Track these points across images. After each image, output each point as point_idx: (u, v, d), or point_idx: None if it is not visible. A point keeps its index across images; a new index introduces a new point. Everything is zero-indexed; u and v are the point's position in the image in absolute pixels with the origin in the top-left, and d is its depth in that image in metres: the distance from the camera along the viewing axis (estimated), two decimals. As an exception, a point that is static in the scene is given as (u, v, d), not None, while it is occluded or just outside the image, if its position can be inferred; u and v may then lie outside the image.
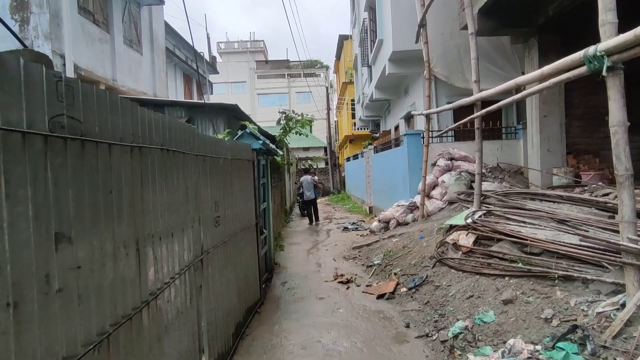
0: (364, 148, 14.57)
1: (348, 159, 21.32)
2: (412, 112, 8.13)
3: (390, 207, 8.44)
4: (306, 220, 12.86)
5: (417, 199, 7.94)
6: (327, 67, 43.02)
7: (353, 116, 26.52)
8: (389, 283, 4.81)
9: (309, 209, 12.41)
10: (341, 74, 31.54)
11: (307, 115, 10.10)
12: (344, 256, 6.93)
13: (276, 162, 9.01)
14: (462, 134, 8.75)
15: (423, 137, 8.35)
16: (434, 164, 8.15)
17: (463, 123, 5.95)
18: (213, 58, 19.60)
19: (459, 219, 4.91)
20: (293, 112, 9.36)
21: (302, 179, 12.61)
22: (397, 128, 14.25)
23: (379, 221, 8.22)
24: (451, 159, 7.92)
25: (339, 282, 5.37)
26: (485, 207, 5.00)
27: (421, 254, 5.37)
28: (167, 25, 13.91)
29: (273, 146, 5.75)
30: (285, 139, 10.53)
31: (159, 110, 2.35)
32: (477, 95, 5.69)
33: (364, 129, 24.60)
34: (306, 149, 28.32)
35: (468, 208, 5.94)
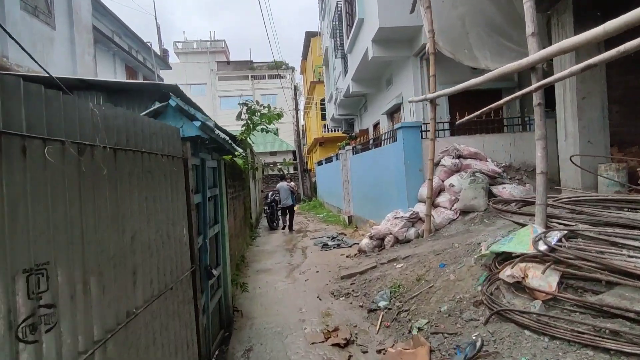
0: (340, 149, 12.87)
1: (319, 163, 19.56)
2: (411, 99, 6.48)
3: (384, 220, 6.70)
4: (276, 235, 10.90)
5: (419, 208, 6.25)
6: (293, 69, 41.25)
7: (323, 117, 24.87)
8: (417, 351, 3.00)
9: (284, 216, 11.94)
10: (308, 74, 29.88)
11: (275, 109, 8.21)
12: (331, 291, 5.07)
13: (237, 166, 7.02)
14: (462, 127, 7.22)
15: (422, 131, 6.72)
16: (437, 164, 6.53)
17: (500, 105, 4.31)
18: (165, 51, 17.25)
19: (516, 244, 3.21)
20: (257, 103, 7.43)
21: (278, 185, 11.94)
22: (376, 126, 12.66)
23: (371, 238, 6.45)
24: (459, 156, 6.32)
25: (334, 345, 3.50)
26: (558, 222, 3.33)
27: (452, 294, 3.63)
28: (100, 4, 11.52)
29: (226, 136, 3.81)
30: (248, 139, 8.58)
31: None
32: (513, 65, 4.10)
33: (336, 130, 23.00)
34: (273, 154, 26.28)
35: (510, 221, 4.30)
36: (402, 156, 6.59)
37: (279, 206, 12.99)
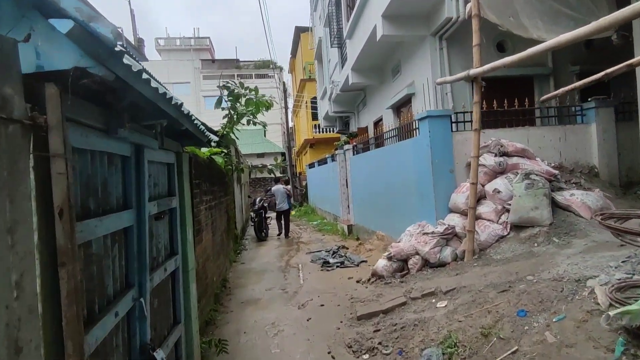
0: (337, 149, 11.42)
1: (311, 165, 18.07)
2: (442, 80, 5.05)
3: (404, 234, 5.27)
4: (265, 248, 9.35)
5: (452, 220, 4.84)
6: (281, 68, 39.76)
7: (314, 117, 23.42)
8: None
9: (279, 221, 11.22)
10: (298, 72, 28.44)
11: (264, 96, 6.72)
12: (347, 343, 3.57)
13: (215, 166, 5.49)
14: (486, 118, 5.84)
15: (453, 122, 5.33)
16: (470, 164, 5.14)
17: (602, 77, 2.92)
18: (140, 41, 15.59)
19: None
20: (241, 85, 5.92)
21: (273, 189, 11.35)
22: (378, 124, 11.27)
23: (390, 259, 4.99)
24: (503, 154, 4.94)
25: None
26: None
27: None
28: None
29: (185, 110, 2.30)
30: (232, 134, 7.06)
31: None
32: (576, 33, 2.72)
33: (330, 130, 21.59)
34: (260, 156, 24.67)
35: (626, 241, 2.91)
36: (429, 154, 5.16)
37: (274, 210, 11.48)
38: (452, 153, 5.20)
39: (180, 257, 2.62)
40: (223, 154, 6.30)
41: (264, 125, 6.90)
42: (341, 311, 4.35)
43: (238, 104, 6.56)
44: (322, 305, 4.68)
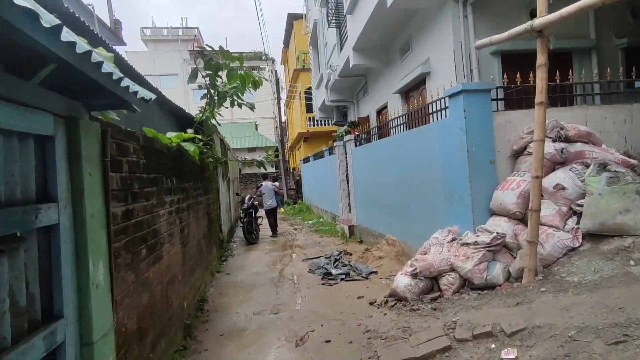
0: (335, 141, 10.22)
1: (306, 160, 16.86)
2: (481, 42, 3.84)
3: (431, 243, 4.11)
4: (255, 253, 8.13)
5: (498, 225, 3.68)
6: (273, 60, 38.29)
7: (308, 110, 22.18)
8: None
9: (270, 219, 10.66)
10: (291, 63, 27.13)
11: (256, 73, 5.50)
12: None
13: (186, 155, 4.23)
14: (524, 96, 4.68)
15: (494, 99, 4.18)
16: (520, 152, 4.00)
17: None
18: (117, 22, 14.17)
19: None
20: (222, 53, 4.68)
21: (258, 185, 10.84)
22: (381, 112, 10.10)
23: (414, 276, 3.81)
24: (564, 139, 3.79)
25: None
26: None
27: None
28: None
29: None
30: (213, 119, 5.86)
31: None
32: None
33: (325, 122, 20.40)
34: (252, 150, 23.34)
35: None
36: (463, 140, 3.99)
37: (261, 208, 10.29)
38: (492, 139, 4.04)
39: (71, 321, 1.40)
40: (199, 141, 5.06)
41: (252, 106, 5.67)
42: (355, 353, 3.17)
43: (219, 80, 5.33)
44: (327, 341, 3.49)
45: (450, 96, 4.22)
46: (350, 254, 7.08)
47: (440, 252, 3.79)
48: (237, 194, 11.79)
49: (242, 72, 4.78)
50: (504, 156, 4.11)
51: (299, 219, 14.31)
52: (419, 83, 7.31)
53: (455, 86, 4.18)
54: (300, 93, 22.55)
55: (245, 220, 9.42)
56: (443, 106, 4.55)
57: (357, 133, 8.49)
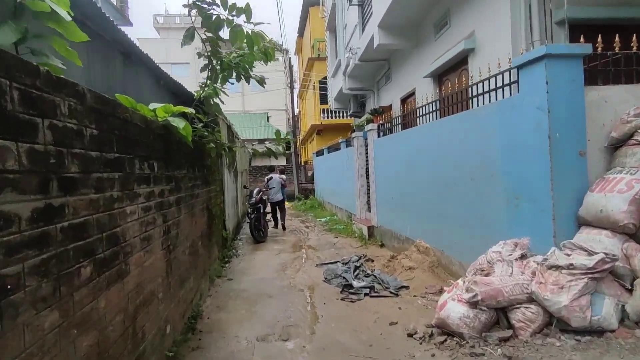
0: (354, 131, 9.23)
1: (319, 153, 15.88)
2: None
3: (484, 256, 3.13)
4: (262, 255, 7.22)
5: (598, 241, 2.65)
6: (286, 51, 37.28)
7: (322, 101, 21.17)
8: None
9: (274, 213, 10.24)
10: (305, 52, 26.06)
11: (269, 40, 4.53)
12: None
13: (177, 136, 3.28)
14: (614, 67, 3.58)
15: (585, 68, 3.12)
16: (618, 143, 2.97)
17: None
18: (123, 1, 13.36)
19: None
20: (223, 1, 3.71)
21: (268, 178, 10.14)
22: (406, 100, 9.05)
23: (474, 304, 2.81)
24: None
25: None
26: None
27: None
28: None
29: None
30: (215, 98, 4.95)
31: None
32: None
33: (341, 114, 19.44)
34: (262, 142, 22.42)
35: None
36: (544, 122, 2.96)
37: (266, 208, 9.39)
38: (583, 122, 3.00)
39: None
40: (198, 122, 4.13)
41: (262, 81, 4.71)
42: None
43: (222, 50, 4.38)
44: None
45: (522, 65, 3.18)
46: (372, 261, 6.11)
47: (510, 274, 2.79)
48: (245, 187, 10.90)
49: (250, 31, 3.81)
50: (596, 146, 3.07)
51: (310, 215, 13.38)
52: (458, 63, 6.25)
53: (533, 51, 3.14)
54: (314, 83, 21.52)
55: (252, 216, 8.51)
56: (503, 82, 3.51)
57: (380, 122, 7.47)
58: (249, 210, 8.86)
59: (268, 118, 26.59)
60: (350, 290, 4.64)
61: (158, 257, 2.78)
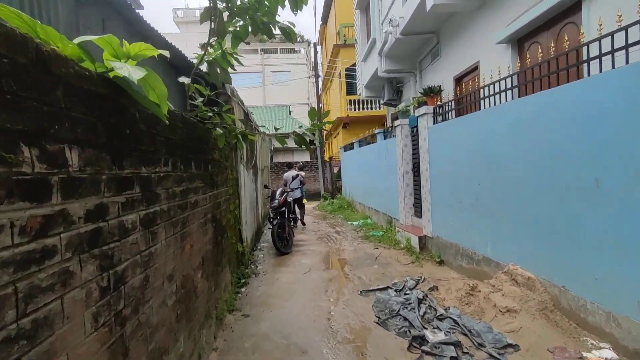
0: (397, 119, 7.59)
1: (347, 147, 14.28)
2: None
3: None
4: (287, 271, 5.73)
5: None
6: (308, 43, 35.77)
7: (349, 91, 19.51)
8: None
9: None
10: (329, 41, 24.40)
11: None
12: None
13: (143, 107, 1.79)
14: None
15: None
16: None
17: None
18: (133, -18, 12.23)
19: None
20: None
21: (286, 175, 9.71)
22: (462, 80, 7.31)
23: None
24: None
25: None
26: None
27: None
28: None
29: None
30: (227, 63, 3.48)
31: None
32: None
33: (371, 105, 17.81)
34: (285, 136, 20.96)
35: None
36: None
37: (292, 211, 7.96)
38: None
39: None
40: (195, 93, 2.67)
41: (290, 32, 3.17)
42: None
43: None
44: None
45: None
46: (436, 288, 4.49)
47: None
48: (266, 187, 9.45)
49: None
50: None
51: (339, 217, 11.83)
52: (559, 16, 4.49)
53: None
54: (340, 72, 19.87)
55: (275, 222, 7.04)
56: None
57: (438, 103, 5.80)
58: (271, 215, 7.41)
59: (290, 112, 25.13)
60: (425, 348, 3.05)
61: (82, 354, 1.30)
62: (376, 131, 9.40)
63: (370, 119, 18.17)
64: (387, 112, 13.85)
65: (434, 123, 5.93)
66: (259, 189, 9.17)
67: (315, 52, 18.52)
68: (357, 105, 18.82)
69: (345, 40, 19.48)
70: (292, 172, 9.75)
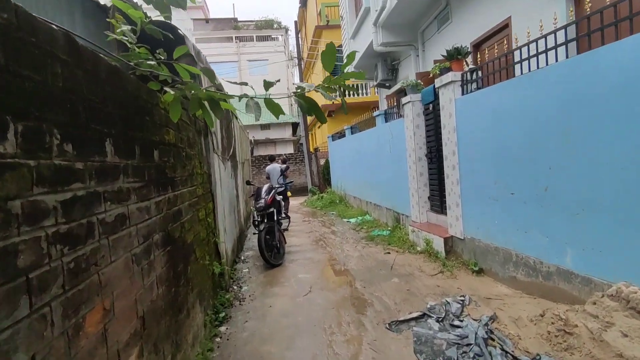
0: (406, 96, 6.28)
1: (336, 136, 12.91)
2: None
3: None
4: (280, 297, 4.31)
5: None
6: (286, 29, 33.95)
7: (333, 76, 18.02)
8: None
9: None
10: (310, 24, 22.80)
11: None
12: None
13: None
14: None
15: None
16: None
17: None
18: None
19: None
20: None
21: (267, 168, 8.99)
22: (481, 46, 6.05)
23: None
24: None
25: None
26: None
27: None
28: None
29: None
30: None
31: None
32: None
33: (360, 89, 16.50)
34: (265, 127, 19.50)
35: None
36: None
37: (282, 212, 6.61)
38: None
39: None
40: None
41: None
42: None
43: None
44: None
45: None
46: (495, 316, 3.21)
47: None
48: (248, 183, 7.94)
49: None
50: None
51: (332, 214, 10.50)
52: None
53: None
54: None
55: (263, 227, 5.60)
56: None
57: (470, 67, 4.48)
58: (256, 217, 5.99)
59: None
60: None
61: None
62: (375, 113, 8.06)
63: (359, 105, 16.82)
64: (379, 96, 12.55)
65: (463, 93, 4.63)
66: (240, 185, 7.70)
67: (297, 31, 16.94)
68: (343, 91, 17.43)
69: (328, 21, 17.97)
70: (275, 165, 8.97)
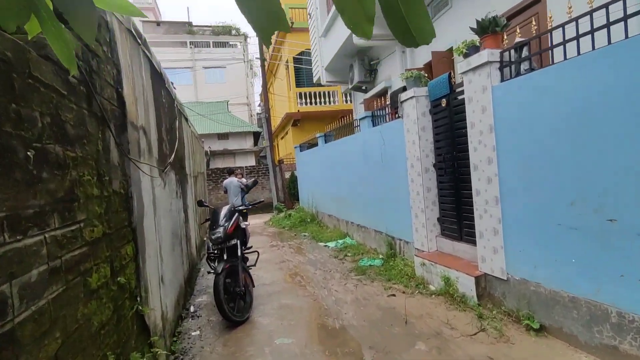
0: (405, 91, 4.98)
1: (305, 146, 11.43)
2: None
3: None
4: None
5: None
6: (245, 36, 32.27)
7: (298, 83, 16.70)
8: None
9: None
10: (271, 29, 21.38)
11: None
12: None
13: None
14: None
15: None
16: None
17: None
18: None
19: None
20: None
21: (225, 182, 8.65)
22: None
23: None
24: None
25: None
26: None
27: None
28: None
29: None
30: None
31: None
32: None
33: (330, 97, 15.24)
34: (223, 137, 17.58)
35: None
36: None
37: (247, 244, 4.98)
38: None
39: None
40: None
41: None
42: None
43: None
44: None
45: None
46: None
47: None
48: (201, 203, 5.96)
49: None
50: None
51: (304, 236, 8.91)
52: None
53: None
54: (287, 61, 17.01)
55: (221, 268, 3.88)
56: None
57: (520, 39, 3.22)
58: (212, 250, 4.28)
59: (228, 106, 21.59)
60: None
61: None
62: (360, 115, 6.70)
63: (326, 114, 15.56)
64: (353, 102, 11.32)
65: (502, 80, 3.37)
66: (191, 205, 5.92)
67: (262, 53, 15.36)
68: (309, 99, 16.13)
69: (292, 23, 16.69)
70: (233, 179, 8.62)
